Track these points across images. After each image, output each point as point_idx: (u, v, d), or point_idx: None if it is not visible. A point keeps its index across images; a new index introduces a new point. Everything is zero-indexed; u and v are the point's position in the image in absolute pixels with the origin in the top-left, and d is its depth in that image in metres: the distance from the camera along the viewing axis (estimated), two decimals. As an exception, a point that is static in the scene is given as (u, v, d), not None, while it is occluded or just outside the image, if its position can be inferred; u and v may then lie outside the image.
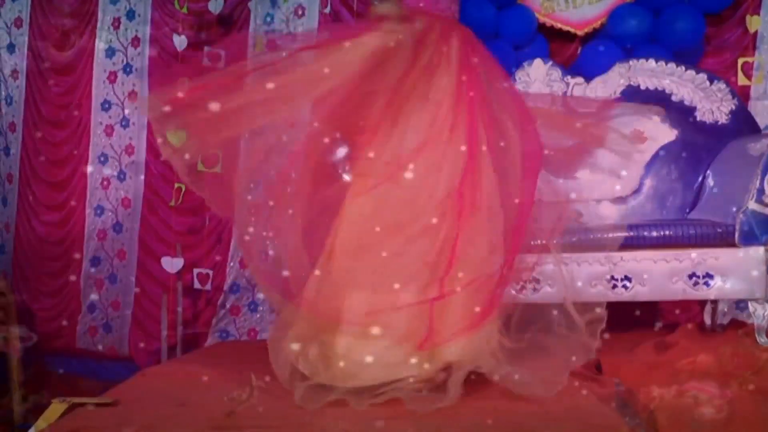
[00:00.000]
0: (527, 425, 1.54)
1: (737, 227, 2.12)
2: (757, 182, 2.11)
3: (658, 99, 2.59)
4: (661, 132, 2.63)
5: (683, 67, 2.60)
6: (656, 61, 2.61)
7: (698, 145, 2.59)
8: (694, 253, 2.14)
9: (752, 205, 2.11)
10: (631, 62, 2.63)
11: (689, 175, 2.59)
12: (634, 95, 2.60)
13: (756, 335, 2.12)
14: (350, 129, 1.85)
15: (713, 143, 2.56)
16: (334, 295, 1.73)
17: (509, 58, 2.77)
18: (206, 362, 2.16)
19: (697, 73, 2.60)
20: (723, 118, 2.57)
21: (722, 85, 2.58)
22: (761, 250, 2.13)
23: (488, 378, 1.73)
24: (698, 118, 2.59)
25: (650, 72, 2.61)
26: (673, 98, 2.60)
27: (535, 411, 1.62)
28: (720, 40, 2.81)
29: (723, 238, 2.14)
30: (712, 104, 2.57)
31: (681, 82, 2.59)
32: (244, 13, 3.11)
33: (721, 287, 2.14)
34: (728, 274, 2.13)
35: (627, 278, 2.16)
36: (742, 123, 2.57)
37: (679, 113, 2.60)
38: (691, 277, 2.14)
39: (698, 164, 2.58)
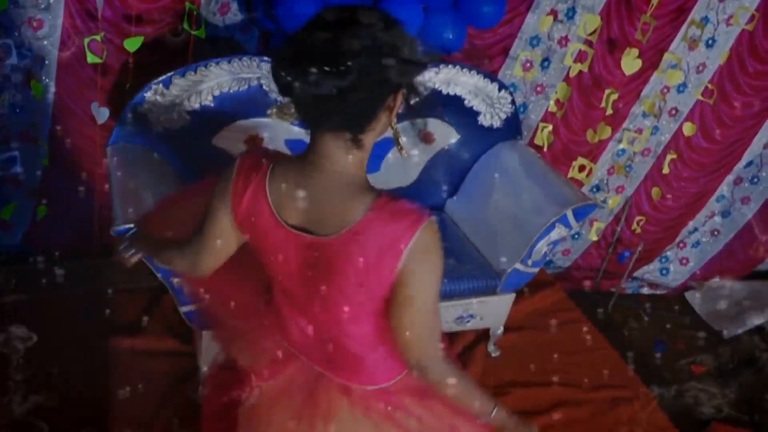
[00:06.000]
0: None
1: (502, 282, 2.57)
2: (526, 249, 2.51)
3: (453, 103, 2.68)
4: (447, 134, 2.80)
5: (481, 76, 2.67)
6: (461, 69, 2.63)
7: (474, 144, 2.84)
8: (464, 302, 2.56)
9: (518, 266, 2.54)
10: (440, 68, 2.60)
11: (459, 167, 2.89)
12: (435, 99, 2.61)
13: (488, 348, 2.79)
14: None
15: (486, 143, 2.84)
16: None
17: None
18: None
19: (492, 81, 2.70)
20: (498, 123, 2.80)
21: (506, 95, 2.75)
22: (513, 295, 2.65)
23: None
24: (479, 122, 2.77)
25: (454, 80, 2.63)
26: (466, 104, 2.71)
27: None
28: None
29: (488, 289, 2.58)
30: (494, 110, 2.76)
31: (475, 91, 2.69)
32: None
33: (478, 323, 2.65)
34: (486, 313, 2.64)
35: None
36: (512, 128, 2.84)
37: (466, 117, 2.75)
38: (458, 318, 2.60)
39: (468, 158, 2.88)
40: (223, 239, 1.38)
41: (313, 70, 1.09)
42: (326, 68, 1.09)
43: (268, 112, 2.46)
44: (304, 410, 1.40)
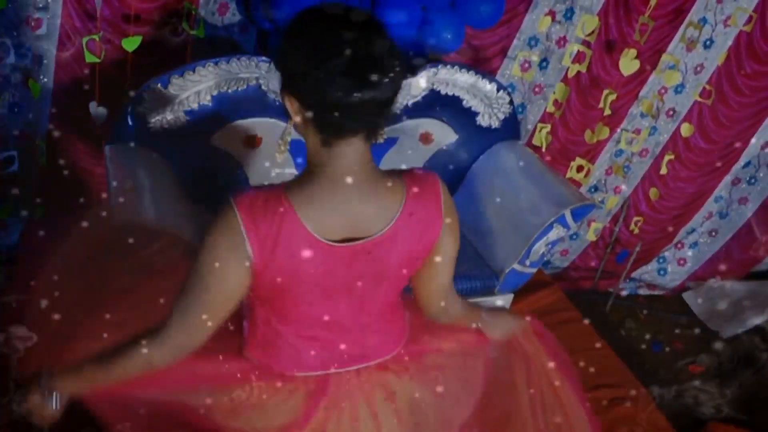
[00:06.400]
0: None
1: (500, 282, 2.57)
2: (524, 250, 2.51)
3: (452, 104, 2.68)
4: (446, 134, 2.80)
5: (479, 76, 2.67)
6: (459, 69, 2.63)
7: (472, 144, 2.84)
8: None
9: (516, 266, 2.55)
10: (438, 68, 2.60)
11: (458, 167, 2.89)
12: (434, 99, 2.63)
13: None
14: None
15: (484, 143, 2.85)
16: None
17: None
18: None
19: (490, 82, 2.70)
20: (496, 124, 2.80)
21: (505, 95, 2.75)
22: (512, 295, 2.66)
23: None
24: (478, 122, 2.78)
25: (452, 80, 2.63)
26: (464, 104, 2.71)
27: None
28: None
29: (486, 289, 2.58)
30: (492, 110, 2.76)
31: (473, 91, 2.69)
32: None
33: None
34: (484, 313, 2.64)
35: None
36: (510, 129, 2.84)
37: (464, 117, 2.75)
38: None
39: (467, 158, 2.88)
40: (234, 299, 1.23)
41: (378, 75, 1.10)
42: (390, 73, 1.11)
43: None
44: (361, 410, 1.37)
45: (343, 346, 1.35)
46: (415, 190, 1.26)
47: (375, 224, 1.24)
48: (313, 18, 1.15)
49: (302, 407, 1.35)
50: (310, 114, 1.16)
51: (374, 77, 1.10)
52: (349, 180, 1.20)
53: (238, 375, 1.35)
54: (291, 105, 1.19)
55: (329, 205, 1.20)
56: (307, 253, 1.19)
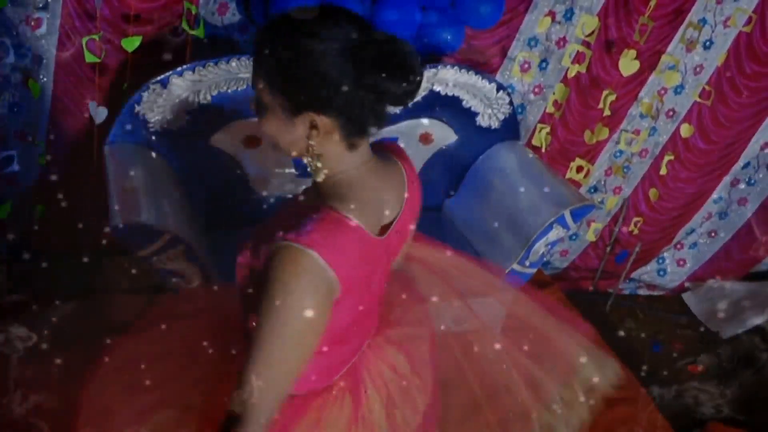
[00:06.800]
0: None
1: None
2: (524, 250, 2.51)
3: (451, 104, 2.68)
4: (445, 134, 2.80)
5: (479, 76, 2.67)
6: (459, 69, 2.63)
7: (472, 145, 2.85)
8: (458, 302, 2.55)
9: (516, 266, 2.55)
10: (438, 68, 2.60)
11: (458, 167, 2.89)
12: (433, 100, 2.63)
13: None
14: None
15: (484, 144, 2.85)
16: None
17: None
18: None
19: (490, 82, 2.70)
20: (496, 124, 2.80)
21: (504, 95, 2.75)
22: (510, 295, 2.65)
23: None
24: (478, 123, 2.78)
25: (452, 80, 2.63)
26: (464, 104, 2.71)
27: None
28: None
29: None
30: (491, 110, 2.76)
31: (473, 91, 2.69)
32: None
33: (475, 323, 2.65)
34: (483, 314, 2.63)
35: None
36: (510, 129, 2.84)
37: (464, 117, 2.75)
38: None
39: (467, 158, 2.88)
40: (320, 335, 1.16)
41: (414, 68, 1.14)
42: (419, 62, 1.16)
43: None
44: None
45: (370, 324, 1.40)
46: (402, 158, 1.35)
47: (395, 204, 1.29)
48: (323, 31, 1.12)
49: (352, 405, 1.35)
50: (340, 124, 1.16)
51: (412, 73, 1.13)
52: (372, 171, 1.24)
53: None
54: (314, 124, 1.15)
55: (366, 202, 1.22)
56: (368, 258, 1.20)
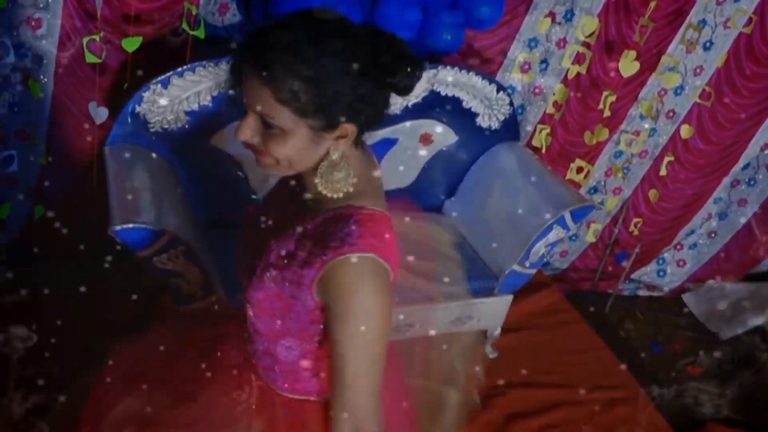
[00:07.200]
0: None
1: (500, 283, 2.57)
2: (524, 251, 2.51)
3: (452, 104, 2.68)
4: (446, 135, 2.80)
5: (479, 77, 2.67)
6: (459, 70, 2.63)
7: (472, 145, 2.85)
8: (461, 303, 2.56)
9: (516, 267, 2.55)
10: (438, 69, 2.60)
11: (458, 168, 2.89)
12: (433, 100, 2.63)
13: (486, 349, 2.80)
14: None
15: (484, 144, 2.85)
16: None
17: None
18: None
19: (490, 83, 2.70)
20: (496, 125, 2.80)
21: (505, 96, 2.75)
22: (511, 296, 2.66)
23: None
24: (477, 123, 2.78)
25: (452, 81, 2.63)
26: (464, 105, 2.71)
27: None
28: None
29: (486, 290, 2.59)
30: (492, 111, 2.77)
31: (473, 92, 2.69)
32: None
33: (475, 324, 2.65)
34: (484, 314, 2.64)
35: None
36: (510, 130, 2.85)
37: (464, 118, 2.75)
38: (455, 319, 2.60)
39: (467, 159, 2.88)
40: None
41: (419, 66, 1.17)
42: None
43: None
44: None
45: None
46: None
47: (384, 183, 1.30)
48: (344, 40, 1.10)
49: None
50: (359, 126, 1.16)
51: (420, 66, 1.16)
52: (365, 160, 1.25)
53: None
54: (343, 133, 1.15)
55: (376, 189, 1.23)
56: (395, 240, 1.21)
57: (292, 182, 1.30)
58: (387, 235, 1.16)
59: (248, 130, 1.15)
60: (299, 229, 1.20)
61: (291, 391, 1.33)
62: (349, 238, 1.11)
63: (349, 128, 1.15)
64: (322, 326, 1.21)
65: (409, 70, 1.13)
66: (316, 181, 1.17)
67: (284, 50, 1.07)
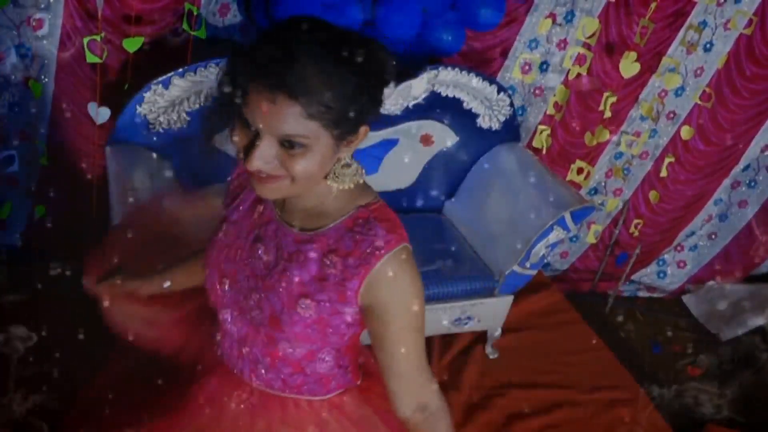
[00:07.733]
0: None
1: (500, 284, 2.57)
2: (524, 251, 2.51)
3: (452, 105, 2.68)
4: (446, 136, 2.80)
5: (480, 78, 2.67)
6: (460, 71, 2.63)
7: (472, 146, 2.85)
8: (461, 304, 2.56)
9: (516, 268, 2.55)
10: (439, 70, 2.60)
11: (458, 169, 2.89)
12: (434, 101, 2.63)
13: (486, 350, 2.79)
14: None
15: (484, 145, 2.85)
16: None
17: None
18: None
19: (491, 84, 2.70)
20: (497, 125, 2.80)
21: (505, 97, 2.75)
22: (511, 297, 2.66)
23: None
24: (478, 124, 2.78)
25: (453, 82, 2.63)
26: (464, 106, 2.71)
27: None
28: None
29: (486, 290, 2.59)
30: (492, 112, 2.77)
31: (474, 93, 2.69)
32: None
33: (475, 325, 2.65)
34: (484, 315, 2.64)
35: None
36: (510, 131, 2.85)
37: (465, 119, 2.75)
38: (456, 320, 2.60)
39: (467, 160, 2.89)
40: None
41: None
42: None
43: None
44: None
45: None
46: None
47: None
48: (357, 46, 1.07)
49: None
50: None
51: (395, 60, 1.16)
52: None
53: None
54: (360, 137, 1.14)
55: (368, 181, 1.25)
56: None
57: (261, 207, 1.29)
58: (400, 223, 1.19)
59: (265, 157, 1.07)
60: (312, 252, 1.18)
61: (316, 394, 1.33)
62: (378, 240, 1.14)
63: (363, 130, 1.13)
64: (355, 325, 1.22)
65: (394, 63, 1.14)
66: (329, 183, 1.16)
67: (309, 62, 1.02)
